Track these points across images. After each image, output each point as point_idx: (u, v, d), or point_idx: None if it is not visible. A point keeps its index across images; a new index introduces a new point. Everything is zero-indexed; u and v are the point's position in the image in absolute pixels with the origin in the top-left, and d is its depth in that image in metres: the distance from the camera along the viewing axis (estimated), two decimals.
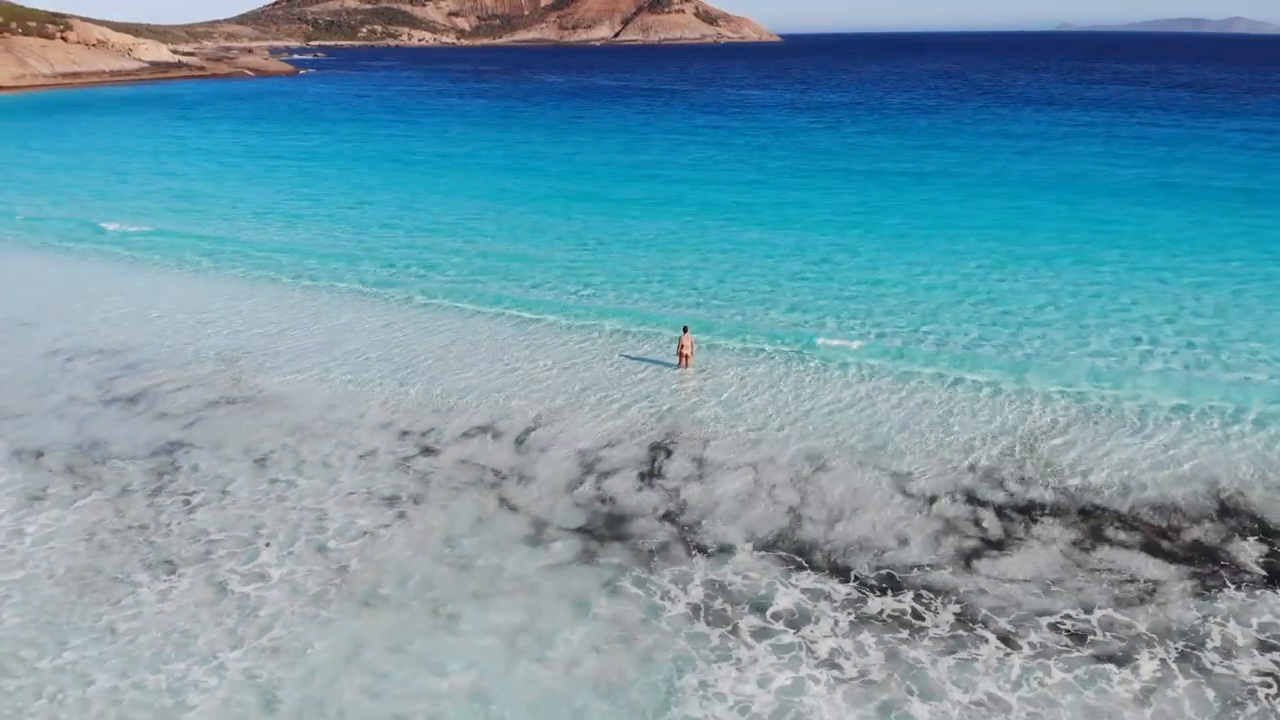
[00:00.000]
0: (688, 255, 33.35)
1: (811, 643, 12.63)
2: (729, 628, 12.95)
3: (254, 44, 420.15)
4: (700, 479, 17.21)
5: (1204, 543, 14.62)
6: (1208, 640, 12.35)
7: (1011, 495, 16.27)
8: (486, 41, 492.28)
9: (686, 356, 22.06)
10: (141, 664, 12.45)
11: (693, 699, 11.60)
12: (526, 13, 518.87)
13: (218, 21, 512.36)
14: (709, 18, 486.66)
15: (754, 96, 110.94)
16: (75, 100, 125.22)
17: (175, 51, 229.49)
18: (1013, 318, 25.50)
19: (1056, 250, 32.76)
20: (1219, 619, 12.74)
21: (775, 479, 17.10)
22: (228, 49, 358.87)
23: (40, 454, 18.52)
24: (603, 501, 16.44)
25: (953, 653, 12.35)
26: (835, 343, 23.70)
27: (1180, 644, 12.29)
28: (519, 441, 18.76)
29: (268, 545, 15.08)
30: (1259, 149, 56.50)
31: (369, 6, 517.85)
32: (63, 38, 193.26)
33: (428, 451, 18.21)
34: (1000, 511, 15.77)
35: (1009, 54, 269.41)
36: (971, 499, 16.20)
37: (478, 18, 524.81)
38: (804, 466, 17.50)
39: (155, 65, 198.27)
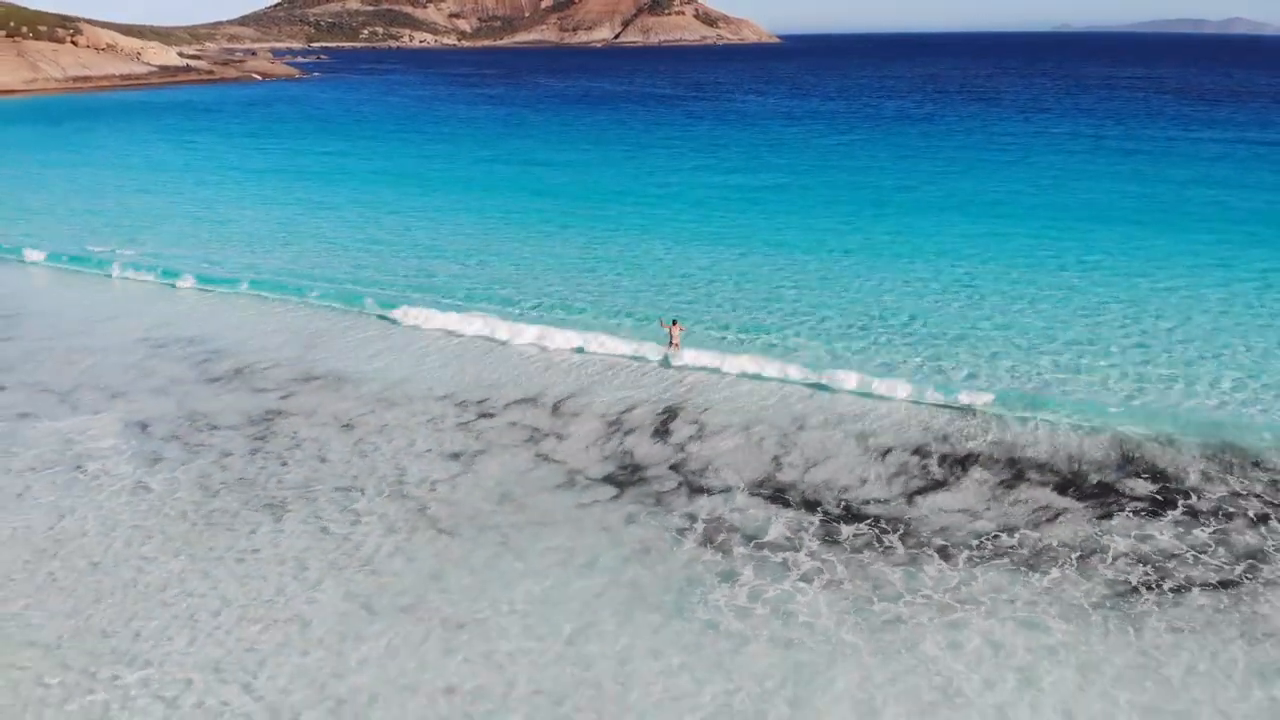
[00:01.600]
0: (683, 269, 36.03)
1: (795, 562, 16.14)
2: (730, 551, 16.47)
3: (256, 45, 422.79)
4: (700, 438, 20.86)
5: (1104, 481, 18.27)
6: (1099, 551, 15.93)
7: (952, 448, 19.89)
8: (487, 43, 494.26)
9: (675, 343, 25.50)
10: (266, 584, 15.90)
11: (705, 604, 15.07)
12: (527, 14, 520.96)
13: (219, 23, 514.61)
14: (709, 19, 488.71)
15: (752, 104, 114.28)
16: (89, 106, 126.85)
17: (182, 55, 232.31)
18: (946, 331, 28.90)
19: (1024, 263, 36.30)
20: (1109, 536, 16.33)
21: (762, 436, 20.79)
22: (230, 50, 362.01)
23: (150, 425, 22.08)
24: (623, 455, 20.09)
25: (903, 565, 15.87)
26: (800, 338, 27.13)
27: (1078, 553, 15.87)
28: (554, 409, 22.56)
29: (363, 493, 18.63)
30: (1225, 163, 59.85)
31: (370, 8, 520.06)
32: (72, 41, 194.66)
33: (484, 416, 21.97)
34: (941, 460, 19.41)
35: (1007, 56, 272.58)
36: (917, 451, 19.84)
37: (479, 19, 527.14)
38: (785, 427, 21.12)
39: (164, 69, 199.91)
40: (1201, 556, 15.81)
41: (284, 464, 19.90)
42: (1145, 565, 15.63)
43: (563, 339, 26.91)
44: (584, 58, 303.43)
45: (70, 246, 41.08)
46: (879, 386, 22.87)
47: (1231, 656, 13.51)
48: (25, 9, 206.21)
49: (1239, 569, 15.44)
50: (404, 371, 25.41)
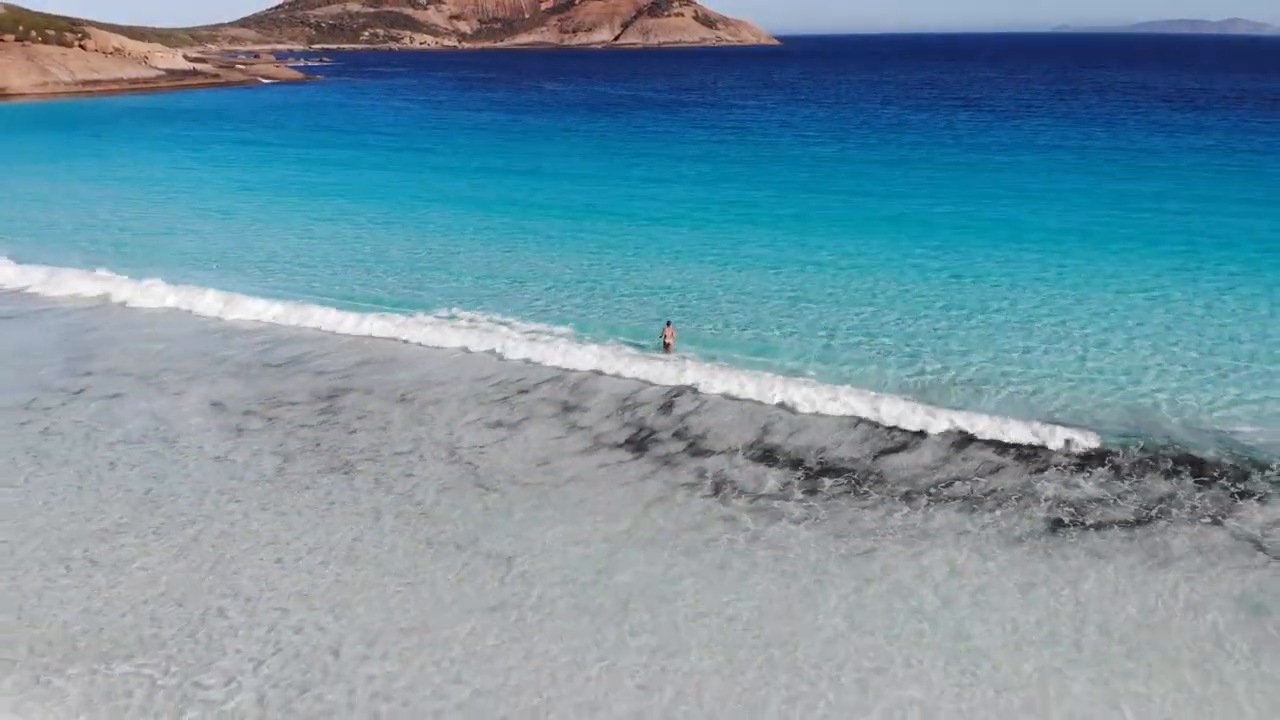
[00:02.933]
0: (681, 271, 39.19)
1: (786, 510, 19.35)
2: (731, 501, 19.69)
3: (257, 47, 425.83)
4: (698, 413, 24.27)
5: (1035, 443, 21.63)
6: (1034, 496, 19.24)
7: (910, 422, 23.16)
8: (487, 44, 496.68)
9: (669, 344, 28.57)
10: (345, 532, 19.08)
11: (714, 543, 18.28)
12: (527, 16, 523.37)
13: (221, 25, 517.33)
14: (708, 21, 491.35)
15: (750, 111, 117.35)
16: (101, 111, 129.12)
17: (188, 58, 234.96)
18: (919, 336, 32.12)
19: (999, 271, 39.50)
20: (1043, 484, 19.67)
21: (751, 411, 24.20)
22: (232, 52, 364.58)
23: (227, 403, 25.32)
24: (636, 425, 23.48)
25: (875, 508, 19.11)
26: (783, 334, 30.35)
27: (1017, 497, 19.18)
28: (576, 387, 25.88)
29: (421, 458, 21.87)
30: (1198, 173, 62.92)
31: (371, 10, 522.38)
32: (81, 46, 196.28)
33: (520, 393, 25.28)
34: (902, 431, 22.78)
35: (1004, 58, 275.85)
36: (879, 425, 23.19)
37: (479, 21, 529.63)
38: (770, 404, 24.48)
39: (171, 73, 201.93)
40: (1120, 501, 19.08)
41: (351, 432, 23.17)
42: (1072, 507, 18.91)
43: (579, 333, 30.16)
44: (584, 60, 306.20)
45: (117, 260, 44.16)
46: (847, 372, 26.21)
47: (1139, 575, 16.73)
48: (34, 13, 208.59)
49: (1151, 511, 18.69)
50: (450, 357, 28.69)
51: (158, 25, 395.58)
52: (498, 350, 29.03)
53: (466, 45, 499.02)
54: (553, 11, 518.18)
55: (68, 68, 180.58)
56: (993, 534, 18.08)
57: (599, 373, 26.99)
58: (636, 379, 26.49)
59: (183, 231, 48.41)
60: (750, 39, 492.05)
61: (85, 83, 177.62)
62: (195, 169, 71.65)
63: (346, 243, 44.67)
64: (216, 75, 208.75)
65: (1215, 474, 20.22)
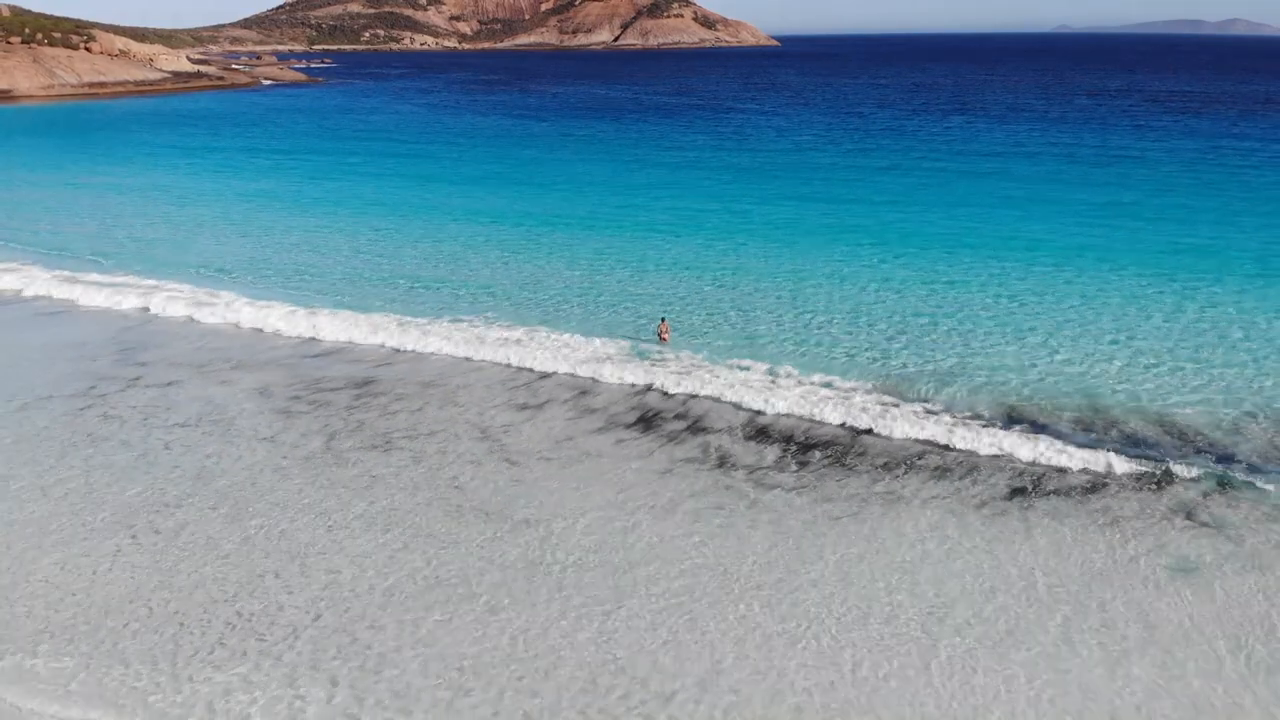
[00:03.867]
0: (679, 274, 41.90)
1: (782, 478, 21.75)
2: (732, 471, 22.09)
3: (258, 48, 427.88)
4: (696, 397, 26.74)
5: (1000, 421, 24.05)
6: (996, 467, 21.73)
7: (886, 406, 25.55)
8: (487, 45, 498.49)
9: (664, 337, 30.97)
10: (386, 502, 21.42)
11: (720, 508, 20.65)
12: (527, 17, 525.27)
13: (222, 26, 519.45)
14: (707, 22, 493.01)
15: (750, 117, 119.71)
16: (112, 115, 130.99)
17: (192, 60, 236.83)
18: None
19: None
20: (1002, 456, 22.12)
21: (741, 396, 26.53)
22: (234, 53, 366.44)
23: (272, 389, 27.71)
24: (641, 409, 25.99)
25: (858, 477, 21.53)
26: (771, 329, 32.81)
27: (980, 468, 21.68)
28: (587, 376, 28.41)
29: (455, 436, 24.29)
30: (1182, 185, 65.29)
31: (371, 11, 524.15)
32: (86, 48, 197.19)
33: (542, 377, 27.88)
34: (869, 406, 25.18)
35: (1001, 60, 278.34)
36: (857, 404, 25.56)
37: (479, 22, 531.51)
38: (760, 389, 26.80)
39: (176, 75, 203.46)
40: (1073, 472, 21.56)
41: (388, 414, 25.62)
42: (1030, 476, 21.38)
43: (586, 330, 32.57)
44: (584, 62, 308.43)
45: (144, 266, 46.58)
46: (825, 362, 28.62)
47: (1088, 534, 19.13)
48: (40, 15, 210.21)
49: (1100, 481, 21.13)
50: (473, 350, 31.07)
51: (159, 26, 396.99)
52: (519, 341, 31.48)
53: (467, 46, 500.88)
54: (553, 12, 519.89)
55: (74, 70, 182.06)
56: (962, 499, 20.50)
57: (606, 360, 29.36)
58: (640, 368, 28.89)
59: (208, 237, 50.83)
60: (750, 40, 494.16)
61: (91, 85, 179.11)
62: (209, 175, 74.06)
63: (366, 249, 47.09)
64: (221, 78, 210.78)
65: (1158, 451, 22.66)
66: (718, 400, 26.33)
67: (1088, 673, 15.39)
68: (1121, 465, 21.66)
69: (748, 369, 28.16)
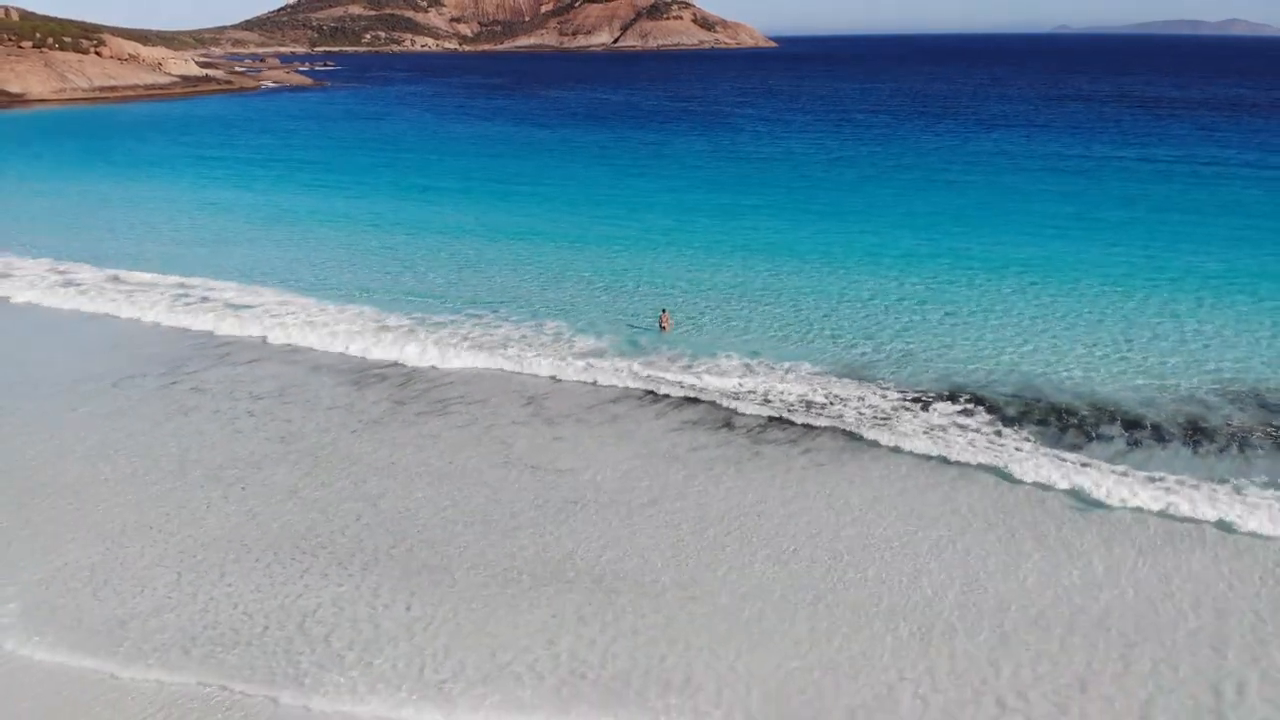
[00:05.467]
0: (676, 275, 46.65)
1: (771, 434, 26.20)
2: (727, 430, 26.62)
3: (261, 50, 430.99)
4: (691, 372, 31.33)
5: (945, 396, 28.50)
6: (935, 428, 26.17)
7: (844, 386, 30.05)
8: (488, 47, 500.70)
9: (665, 326, 35.51)
10: (439, 456, 25.86)
11: (719, 459, 25.09)
12: (527, 19, 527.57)
13: (224, 28, 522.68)
14: (706, 24, 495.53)
15: (748, 120, 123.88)
16: (127, 119, 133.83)
17: (199, 64, 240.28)
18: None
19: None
20: (936, 420, 26.60)
21: (731, 362, 31.34)
22: (238, 55, 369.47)
23: (341, 367, 32.31)
24: (649, 379, 30.67)
25: (793, 442, 26.00)
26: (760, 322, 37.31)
27: (923, 430, 26.21)
28: (602, 356, 33.06)
29: (500, 403, 28.81)
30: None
31: (372, 13, 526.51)
32: (96, 53, 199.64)
33: (559, 359, 32.45)
34: (852, 381, 29.65)
35: (998, 62, 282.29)
36: (840, 378, 30.04)
37: (479, 24, 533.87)
38: (754, 364, 31.37)
39: (185, 79, 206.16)
40: (993, 434, 26.28)
41: (442, 385, 30.35)
42: (960, 436, 26.03)
43: (602, 324, 37.34)
44: (584, 64, 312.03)
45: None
46: (798, 349, 33.21)
47: (998, 480, 23.56)
48: (51, 19, 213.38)
49: (1015, 439, 25.66)
50: (506, 341, 35.72)
51: (161, 28, 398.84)
52: (550, 331, 36.22)
53: (467, 48, 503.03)
54: (552, 14, 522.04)
55: (85, 74, 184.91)
56: (907, 455, 25.17)
57: (617, 345, 33.98)
58: (647, 351, 33.57)
59: (251, 243, 55.36)
60: (748, 41, 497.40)
61: (102, 89, 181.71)
62: (226, 183, 78.36)
63: (391, 257, 51.60)
64: (229, 81, 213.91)
65: (1071, 418, 27.33)
66: (714, 375, 30.83)
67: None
68: (1033, 427, 26.22)
69: (739, 349, 32.82)
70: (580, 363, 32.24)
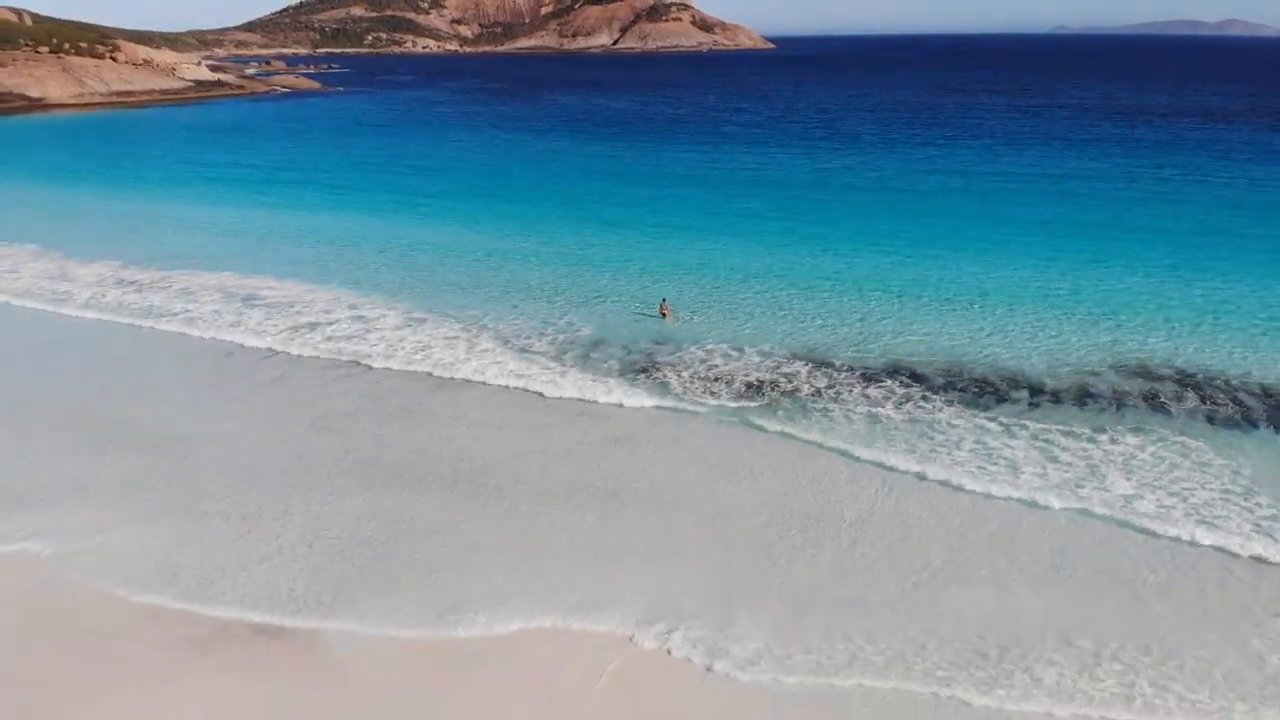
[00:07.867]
0: (675, 275, 52.86)
1: (774, 416, 32.26)
2: (738, 416, 32.35)
3: (264, 51, 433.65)
4: (696, 349, 37.71)
5: (902, 372, 34.76)
6: (894, 401, 32.44)
7: (833, 362, 36.24)
8: (488, 49, 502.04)
9: (665, 314, 41.45)
10: (487, 409, 32.27)
11: (712, 439, 31.23)
12: (527, 20, 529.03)
13: (227, 29, 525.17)
14: (705, 26, 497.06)
15: (745, 127, 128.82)
16: (149, 124, 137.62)
17: (211, 68, 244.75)
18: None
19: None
20: (889, 397, 32.87)
21: (726, 348, 37.64)
22: (243, 57, 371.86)
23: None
24: (653, 356, 37.19)
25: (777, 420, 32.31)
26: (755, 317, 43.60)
27: (885, 400, 32.41)
28: (605, 345, 39.23)
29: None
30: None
31: (374, 14, 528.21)
32: (112, 58, 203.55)
33: (569, 345, 38.94)
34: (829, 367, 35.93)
35: (997, 64, 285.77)
36: (822, 365, 36.25)
37: (480, 25, 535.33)
38: (747, 349, 37.72)
39: (199, 84, 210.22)
40: (918, 401, 32.42)
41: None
42: (901, 407, 32.14)
43: (601, 312, 43.63)
44: (584, 68, 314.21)
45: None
46: (807, 338, 39.48)
47: (916, 437, 29.82)
48: (66, 24, 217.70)
49: (938, 406, 31.87)
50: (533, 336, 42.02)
51: (164, 29, 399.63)
52: (573, 323, 42.30)
53: (468, 50, 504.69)
54: (552, 16, 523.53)
55: (102, 79, 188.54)
56: (882, 424, 31.39)
57: (633, 330, 40.40)
58: (648, 336, 39.84)
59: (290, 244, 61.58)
60: (747, 43, 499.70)
61: (119, 93, 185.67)
62: (245, 189, 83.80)
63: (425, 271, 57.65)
64: (241, 86, 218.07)
65: (999, 387, 33.51)
66: (711, 355, 37.28)
67: None
68: (955, 398, 32.57)
69: (731, 339, 39.18)
70: (599, 352, 38.59)
